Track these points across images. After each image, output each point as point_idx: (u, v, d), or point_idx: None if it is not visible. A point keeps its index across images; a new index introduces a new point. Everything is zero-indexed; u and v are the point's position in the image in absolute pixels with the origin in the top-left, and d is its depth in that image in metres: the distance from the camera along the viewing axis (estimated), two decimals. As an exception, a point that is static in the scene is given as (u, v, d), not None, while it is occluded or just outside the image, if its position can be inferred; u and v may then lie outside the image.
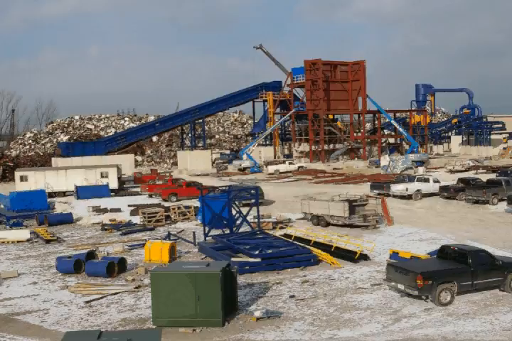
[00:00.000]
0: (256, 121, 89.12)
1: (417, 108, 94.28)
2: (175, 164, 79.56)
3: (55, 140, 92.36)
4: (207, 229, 27.92)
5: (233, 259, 22.00)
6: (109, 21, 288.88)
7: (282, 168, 65.95)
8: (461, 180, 40.94)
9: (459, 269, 17.80)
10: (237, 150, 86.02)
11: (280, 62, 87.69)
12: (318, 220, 31.46)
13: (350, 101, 78.60)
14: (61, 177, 49.56)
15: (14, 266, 24.05)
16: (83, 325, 16.64)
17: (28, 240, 29.59)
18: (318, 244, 24.98)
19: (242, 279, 20.38)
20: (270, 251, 23.20)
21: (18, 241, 29.36)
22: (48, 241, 28.89)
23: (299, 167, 67.66)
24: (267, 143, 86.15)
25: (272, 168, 65.58)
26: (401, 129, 78.08)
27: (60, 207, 41.90)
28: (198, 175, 65.42)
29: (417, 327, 15.63)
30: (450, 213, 34.52)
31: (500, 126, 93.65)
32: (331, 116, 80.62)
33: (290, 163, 67.79)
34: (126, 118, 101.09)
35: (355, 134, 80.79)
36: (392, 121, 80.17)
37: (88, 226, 33.96)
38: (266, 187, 49.73)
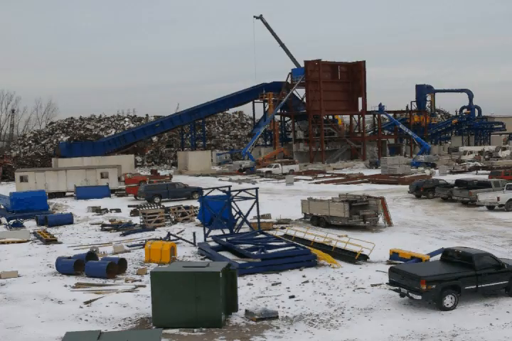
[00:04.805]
0: (256, 122, 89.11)
1: (417, 108, 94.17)
2: (175, 164, 79.57)
3: (55, 140, 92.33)
4: (207, 229, 27.93)
5: (233, 259, 22.01)
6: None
7: (284, 168, 65.78)
8: (458, 181, 39.78)
9: (463, 273, 17.32)
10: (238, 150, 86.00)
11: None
12: (319, 221, 31.45)
13: (350, 101, 78.65)
14: (61, 178, 49.60)
15: (14, 266, 24.02)
16: (83, 325, 16.63)
17: (28, 240, 29.60)
18: (318, 245, 24.99)
19: (241, 279, 20.39)
20: (270, 251, 23.20)
21: (18, 242, 29.36)
22: (47, 242, 28.89)
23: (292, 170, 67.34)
24: (268, 143, 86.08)
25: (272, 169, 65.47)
26: (410, 133, 78.02)
27: (60, 207, 41.93)
28: (198, 176, 65.55)
29: (416, 327, 15.63)
30: (450, 213, 34.54)
31: (501, 126, 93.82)
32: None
33: (290, 164, 67.67)
34: (126, 119, 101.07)
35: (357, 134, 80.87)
36: (401, 126, 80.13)
37: (88, 226, 33.97)
38: (265, 187, 49.82)
